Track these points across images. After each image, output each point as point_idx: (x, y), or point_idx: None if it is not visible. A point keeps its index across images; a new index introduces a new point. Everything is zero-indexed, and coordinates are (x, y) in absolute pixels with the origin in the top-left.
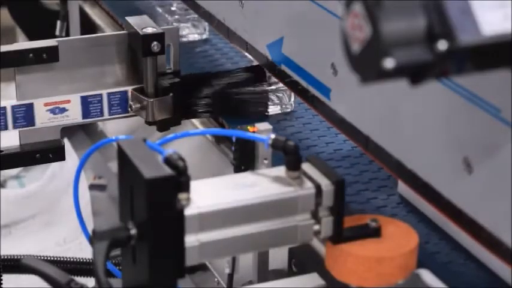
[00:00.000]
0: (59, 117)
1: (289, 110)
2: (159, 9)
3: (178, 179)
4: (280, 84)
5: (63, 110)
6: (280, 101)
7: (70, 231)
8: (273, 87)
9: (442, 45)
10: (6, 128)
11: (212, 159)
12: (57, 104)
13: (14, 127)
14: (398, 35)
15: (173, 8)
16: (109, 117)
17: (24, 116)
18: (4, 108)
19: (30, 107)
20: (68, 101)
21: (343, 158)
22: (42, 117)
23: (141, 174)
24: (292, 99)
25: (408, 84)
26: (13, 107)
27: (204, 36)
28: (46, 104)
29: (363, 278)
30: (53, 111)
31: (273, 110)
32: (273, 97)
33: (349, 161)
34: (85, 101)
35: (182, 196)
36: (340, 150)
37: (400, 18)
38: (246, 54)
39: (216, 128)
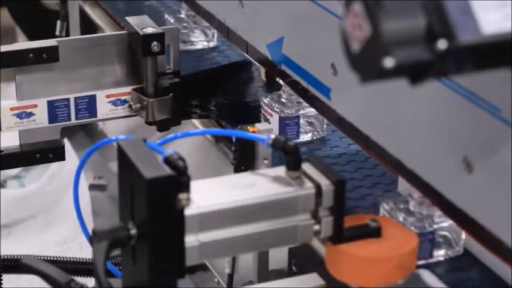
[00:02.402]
0: (25, 121)
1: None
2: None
3: (178, 179)
4: (311, 109)
5: (30, 114)
6: (313, 127)
7: (70, 231)
8: (302, 111)
9: (442, 44)
10: None
11: (212, 159)
12: (23, 109)
13: None
14: (398, 34)
15: (182, 16)
16: (108, 117)
17: None
18: None
19: None
20: (35, 106)
21: (347, 163)
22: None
23: (141, 174)
24: (325, 126)
25: (408, 83)
26: None
27: (212, 44)
28: (12, 109)
29: (362, 278)
30: (19, 115)
31: (304, 137)
32: (303, 123)
33: (353, 165)
34: (52, 106)
35: (182, 196)
36: (345, 154)
37: (399, 18)
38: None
39: (216, 128)
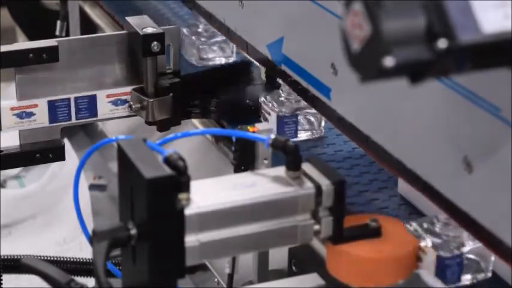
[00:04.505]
0: (25, 121)
1: (319, 135)
2: (185, 31)
3: (178, 179)
4: (312, 109)
5: (30, 114)
6: (311, 125)
7: (70, 231)
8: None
9: (442, 43)
10: None
11: (212, 159)
12: (23, 109)
13: None
14: (398, 33)
15: (200, 30)
16: (108, 117)
17: None
18: None
19: None
20: (36, 106)
21: (343, 159)
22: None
23: (141, 174)
24: (323, 123)
25: (408, 83)
26: None
27: (231, 60)
28: (12, 109)
29: (363, 278)
30: (19, 115)
31: (302, 135)
32: (303, 121)
33: (349, 162)
34: (52, 106)
35: (182, 196)
36: (341, 152)
37: (400, 17)
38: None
39: (216, 128)
